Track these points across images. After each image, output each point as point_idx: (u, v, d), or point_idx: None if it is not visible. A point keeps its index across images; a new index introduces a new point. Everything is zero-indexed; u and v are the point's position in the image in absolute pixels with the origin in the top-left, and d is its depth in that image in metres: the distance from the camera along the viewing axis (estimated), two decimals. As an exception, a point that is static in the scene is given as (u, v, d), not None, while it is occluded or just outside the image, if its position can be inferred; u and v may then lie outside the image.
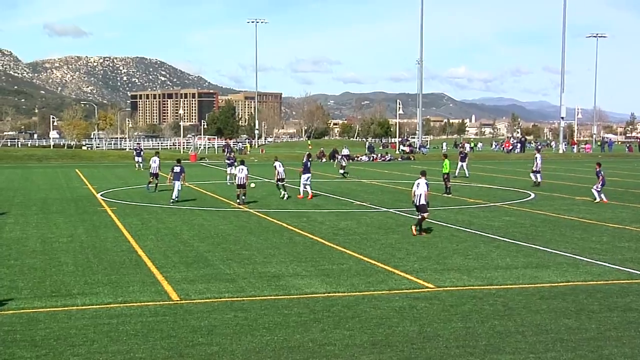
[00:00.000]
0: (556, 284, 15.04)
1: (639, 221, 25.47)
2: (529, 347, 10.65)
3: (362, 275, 15.78)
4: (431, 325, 11.79)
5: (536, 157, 41.76)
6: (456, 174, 47.05)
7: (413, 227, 21.77)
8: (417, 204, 21.82)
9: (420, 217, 21.81)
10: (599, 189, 32.12)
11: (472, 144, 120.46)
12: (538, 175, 41.13)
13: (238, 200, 30.47)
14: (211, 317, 12.19)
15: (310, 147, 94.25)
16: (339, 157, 40.78)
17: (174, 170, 31.37)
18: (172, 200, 30.75)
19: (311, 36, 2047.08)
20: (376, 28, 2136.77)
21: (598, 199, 31.89)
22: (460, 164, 48.85)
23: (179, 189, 31.27)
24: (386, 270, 16.38)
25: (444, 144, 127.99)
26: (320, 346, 10.63)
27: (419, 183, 21.94)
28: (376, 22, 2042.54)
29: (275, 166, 33.60)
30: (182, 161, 33.75)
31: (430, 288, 14.61)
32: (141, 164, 57.65)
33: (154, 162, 37.75)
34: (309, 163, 34.05)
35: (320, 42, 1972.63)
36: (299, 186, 33.48)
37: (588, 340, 11.03)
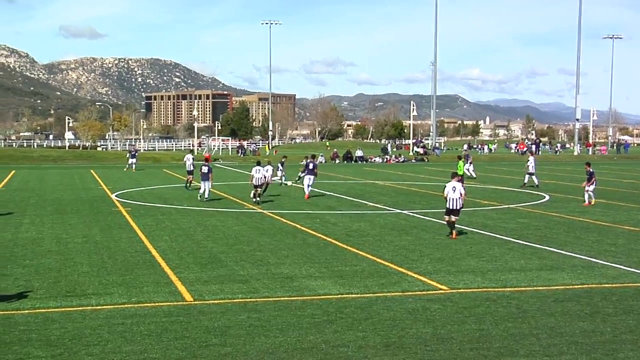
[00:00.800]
0: (571, 287, 14.95)
1: (655, 224, 25.27)
2: (543, 350, 10.60)
3: (375, 276, 15.76)
4: (445, 327, 11.75)
5: (529, 159, 42.74)
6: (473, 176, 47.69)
7: (453, 234, 21.26)
8: (455, 208, 21.23)
9: (453, 220, 21.33)
10: (592, 190, 31.23)
11: (489, 146, 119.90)
12: (534, 177, 41.66)
13: (254, 200, 30.72)
14: (224, 317, 12.21)
15: (328, 147, 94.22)
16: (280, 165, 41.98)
17: (202, 170, 32.04)
18: (203, 199, 31.64)
19: (325, 38, 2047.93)
20: (390, 29, 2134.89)
21: (588, 202, 30.88)
22: (470, 167, 49.84)
23: (208, 188, 31.98)
24: (399, 271, 16.34)
25: (465, 145, 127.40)
26: (334, 347, 10.62)
27: (454, 187, 21.36)
28: (390, 24, 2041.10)
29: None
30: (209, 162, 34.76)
31: (444, 290, 14.57)
32: (134, 165, 58.29)
33: (188, 160, 39.16)
34: (310, 164, 34.41)
35: (334, 43, 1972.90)
36: (304, 187, 33.83)
37: (603, 344, 10.95)
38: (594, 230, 23.63)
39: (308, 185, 33.70)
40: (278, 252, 18.77)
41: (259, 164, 31.96)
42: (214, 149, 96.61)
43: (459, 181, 22.04)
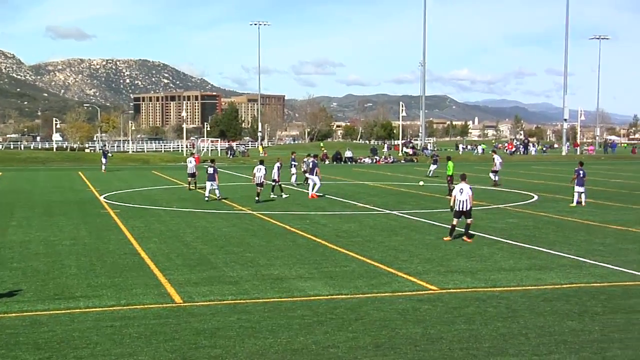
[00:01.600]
0: (560, 286, 15.01)
1: (643, 223, 25.38)
2: (532, 349, 10.63)
3: (365, 277, 15.77)
4: (435, 327, 11.77)
5: (494, 158, 43.53)
6: (430, 175, 50.94)
7: (449, 237, 20.99)
8: (463, 209, 20.80)
9: (467, 223, 20.97)
10: (583, 190, 30.96)
11: (484, 147, 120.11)
12: (496, 175, 42.67)
13: (257, 199, 31.58)
14: (214, 319, 12.18)
15: (323, 149, 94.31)
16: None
17: (208, 172, 32.70)
18: (211, 199, 32.27)
19: (314, 38, 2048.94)
20: (379, 30, 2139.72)
21: (576, 202, 30.65)
22: (433, 166, 52.83)
23: (213, 188, 32.54)
24: (389, 272, 16.36)
25: (461, 145, 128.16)
26: (324, 348, 10.61)
27: (462, 189, 21.00)
28: (379, 24, 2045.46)
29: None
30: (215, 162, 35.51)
31: (434, 290, 14.59)
32: (105, 166, 59.09)
33: (190, 163, 40.08)
34: (311, 163, 35.95)
35: (324, 44, 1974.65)
36: (308, 188, 34.74)
37: (591, 342, 11.00)
38: (582, 229, 23.73)
39: (316, 186, 34.54)
40: (268, 254, 18.75)
41: (261, 163, 33.16)
42: (202, 150, 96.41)
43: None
